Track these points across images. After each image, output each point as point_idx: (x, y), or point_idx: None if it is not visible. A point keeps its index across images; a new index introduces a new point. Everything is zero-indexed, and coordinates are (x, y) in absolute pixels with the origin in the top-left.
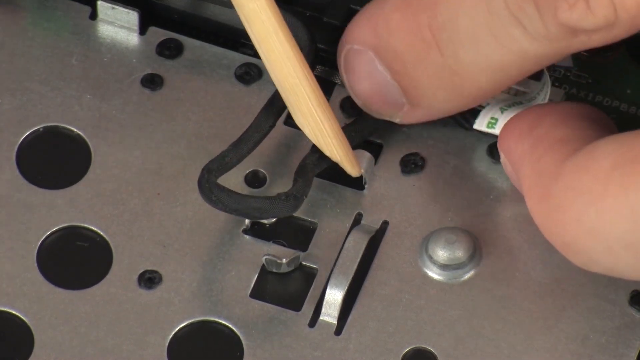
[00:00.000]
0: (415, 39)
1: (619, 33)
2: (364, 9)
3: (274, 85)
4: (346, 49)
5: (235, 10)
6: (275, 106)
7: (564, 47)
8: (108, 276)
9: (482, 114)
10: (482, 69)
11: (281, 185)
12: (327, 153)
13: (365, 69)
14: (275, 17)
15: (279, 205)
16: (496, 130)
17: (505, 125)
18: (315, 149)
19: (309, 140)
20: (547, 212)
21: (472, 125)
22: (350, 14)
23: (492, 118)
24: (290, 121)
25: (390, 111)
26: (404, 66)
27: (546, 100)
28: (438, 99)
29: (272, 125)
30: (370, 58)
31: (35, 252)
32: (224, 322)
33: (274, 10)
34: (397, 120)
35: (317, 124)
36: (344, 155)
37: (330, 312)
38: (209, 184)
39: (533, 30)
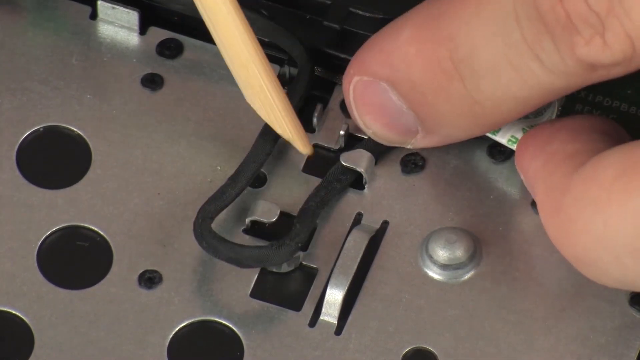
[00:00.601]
0: (436, 71)
1: (638, 64)
2: (374, 41)
3: None
4: (355, 80)
5: None
6: (271, 134)
7: (583, 80)
8: (108, 276)
9: (504, 128)
10: (503, 100)
11: (281, 186)
12: (279, 130)
13: (378, 100)
14: (233, 4)
15: (271, 253)
16: (497, 137)
17: (519, 144)
18: (317, 189)
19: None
20: (559, 225)
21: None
22: (350, 17)
23: (512, 136)
24: None
25: (402, 139)
26: (423, 96)
27: (554, 115)
28: (457, 127)
29: (269, 153)
30: (383, 89)
31: (36, 251)
32: (224, 321)
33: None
34: (408, 146)
35: (269, 101)
36: (296, 133)
37: (330, 312)
38: (201, 230)
39: (551, 65)
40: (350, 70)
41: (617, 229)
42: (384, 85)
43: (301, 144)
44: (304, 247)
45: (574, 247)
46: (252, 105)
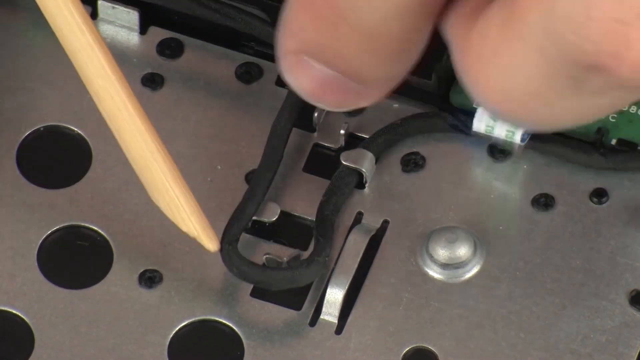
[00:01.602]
0: (321, 23)
1: None
2: (282, 22)
3: (275, 85)
4: (283, 65)
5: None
6: (281, 139)
7: None
8: (108, 275)
9: (477, 118)
10: (389, 17)
11: (281, 185)
12: (184, 229)
13: (308, 74)
14: (125, 92)
15: (302, 273)
16: (495, 133)
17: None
18: (328, 195)
19: (311, 144)
20: (470, 82)
21: (470, 129)
22: None
23: (508, 130)
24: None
25: (350, 100)
26: (329, 51)
27: None
28: (373, 67)
29: (280, 160)
30: (305, 62)
31: (36, 251)
32: (224, 321)
33: (122, 85)
34: (364, 104)
35: (173, 201)
36: (202, 231)
37: (330, 311)
38: (230, 256)
39: None
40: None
41: (513, 78)
42: (304, 58)
43: (207, 241)
44: (304, 247)
45: (488, 104)
46: (156, 203)
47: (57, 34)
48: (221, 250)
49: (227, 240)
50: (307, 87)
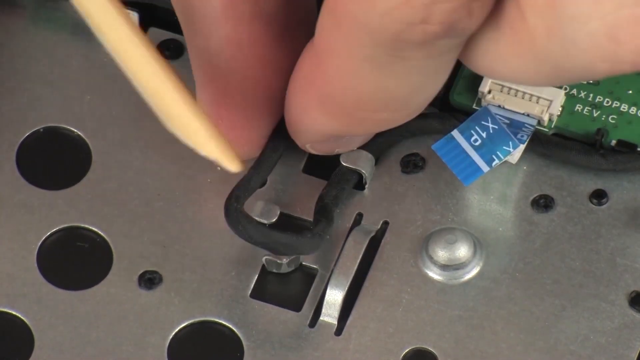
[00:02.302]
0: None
1: None
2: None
3: None
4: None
5: None
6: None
7: None
8: (108, 277)
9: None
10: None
11: (281, 186)
12: (204, 152)
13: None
14: (128, 26)
15: (305, 242)
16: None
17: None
18: (327, 189)
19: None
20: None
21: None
22: None
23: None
24: None
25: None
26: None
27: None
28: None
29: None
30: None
31: (36, 252)
32: (224, 322)
33: (124, 19)
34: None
35: (190, 126)
36: (222, 153)
37: (330, 313)
38: (236, 213)
39: None
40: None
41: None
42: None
43: (228, 162)
44: None
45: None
46: (175, 132)
47: None
48: (227, 209)
49: (234, 197)
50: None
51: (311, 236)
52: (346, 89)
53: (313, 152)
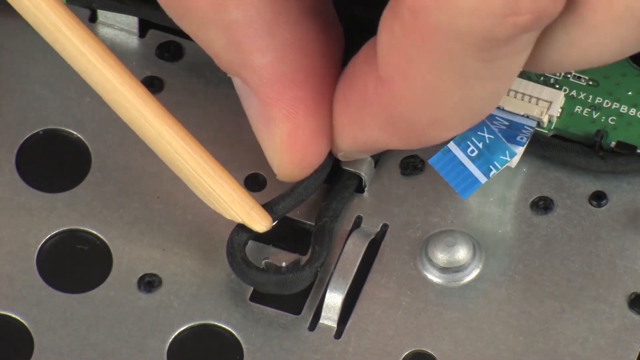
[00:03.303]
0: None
1: None
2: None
3: None
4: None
5: None
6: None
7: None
8: (108, 280)
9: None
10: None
11: (281, 189)
12: (229, 217)
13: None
14: (138, 101)
15: (292, 278)
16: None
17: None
18: (328, 200)
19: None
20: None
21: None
22: (350, 19)
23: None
24: None
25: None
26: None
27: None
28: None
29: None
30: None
31: (35, 255)
32: (223, 325)
33: (134, 93)
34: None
35: (211, 194)
36: (246, 217)
37: (330, 316)
38: (240, 262)
39: None
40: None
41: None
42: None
43: (255, 225)
44: (304, 251)
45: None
46: (201, 199)
47: (62, 55)
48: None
49: (236, 243)
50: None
51: (298, 272)
52: (425, 109)
53: (343, 159)
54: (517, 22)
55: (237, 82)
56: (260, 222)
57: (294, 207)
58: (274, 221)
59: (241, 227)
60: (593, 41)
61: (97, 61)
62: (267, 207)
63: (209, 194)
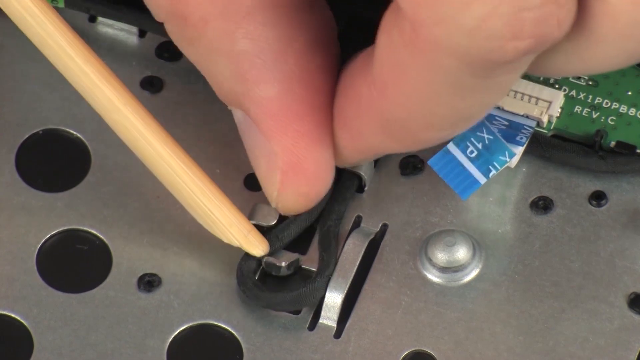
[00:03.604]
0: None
1: None
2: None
3: None
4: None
5: None
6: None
7: None
8: (107, 279)
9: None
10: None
11: None
12: (226, 241)
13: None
14: (139, 122)
15: (306, 293)
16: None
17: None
18: (330, 204)
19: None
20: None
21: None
22: (350, 19)
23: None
24: None
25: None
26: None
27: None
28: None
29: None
30: None
31: (35, 255)
32: (223, 325)
33: (135, 115)
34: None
35: (209, 216)
36: (243, 241)
37: (329, 315)
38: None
39: None
40: None
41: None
42: None
43: (252, 249)
44: (304, 251)
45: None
46: (198, 221)
47: (64, 74)
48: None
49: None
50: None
51: (311, 285)
52: (417, 114)
53: (344, 167)
54: (518, 46)
55: (237, 115)
56: (258, 247)
57: (299, 233)
58: (280, 248)
59: (249, 255)
60: (598, 53)
61: (100, 81)
62: (273, 235)
63: (207, 217)
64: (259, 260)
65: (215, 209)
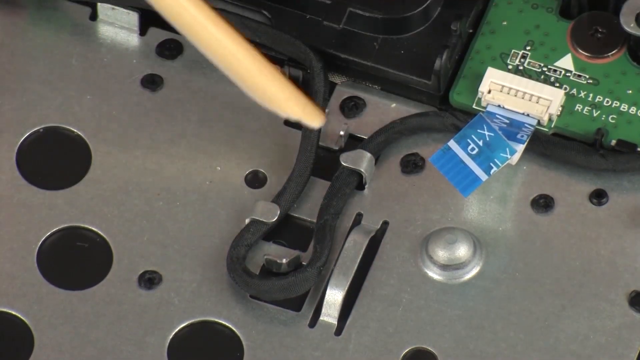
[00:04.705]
0: None
1: None
2: None
3: None
4: None
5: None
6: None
7: None
8: (108, 277)
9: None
10: None
11: (281, 186)
12: (285, 114)
13: None
14: (198, 8)
15: (296, 281)
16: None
17: None
18: (329, 198)
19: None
20: None
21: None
22: (349, 17)
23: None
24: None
25: None
26: None
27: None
28: None
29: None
30: None
31: (36, 252)
32: (224, 322)
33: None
34: None
35: (267, 93)
36: (302, 113)
37: (330, 313)
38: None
39: None
40: None
41: None
42: None
43: (310, 120)
44: (304, 248)
45: None
46: (257, 100)
47: None
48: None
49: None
50: None
51: (301, 275)
52: None
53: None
54: None
55: None
56: (315, 118)
57: (299, 194)
58: (284, 212)
59: (237, 242)
60: None
61: None
62: (276, 201)
63: (265, 93)
64: (247, 246)
65: (272, 86)
